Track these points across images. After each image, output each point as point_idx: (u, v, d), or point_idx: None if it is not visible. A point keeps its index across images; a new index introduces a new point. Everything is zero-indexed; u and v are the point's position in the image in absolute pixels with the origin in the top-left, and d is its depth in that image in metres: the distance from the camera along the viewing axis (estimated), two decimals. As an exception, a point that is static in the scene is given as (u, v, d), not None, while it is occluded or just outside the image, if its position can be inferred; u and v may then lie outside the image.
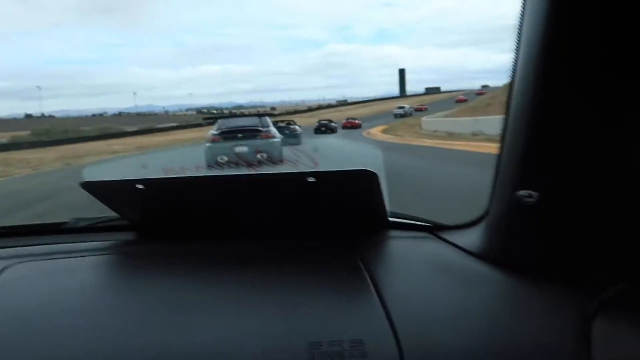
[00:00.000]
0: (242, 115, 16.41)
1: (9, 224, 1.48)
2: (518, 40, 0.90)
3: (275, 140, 11.43)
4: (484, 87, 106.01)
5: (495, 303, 1.00)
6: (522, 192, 0.95)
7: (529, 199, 0.94)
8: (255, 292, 1.01)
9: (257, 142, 11.08)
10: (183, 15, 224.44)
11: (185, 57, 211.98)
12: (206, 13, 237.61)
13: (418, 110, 68.93)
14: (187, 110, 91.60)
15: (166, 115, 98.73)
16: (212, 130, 11.80)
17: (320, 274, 1.10)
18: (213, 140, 11.37)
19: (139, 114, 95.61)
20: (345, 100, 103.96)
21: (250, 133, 11.45)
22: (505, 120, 0.99)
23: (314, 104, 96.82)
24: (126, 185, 1.23)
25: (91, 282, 1.12)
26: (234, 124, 12.10)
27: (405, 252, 1.22)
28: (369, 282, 1.01)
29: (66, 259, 1.23)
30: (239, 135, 11.36)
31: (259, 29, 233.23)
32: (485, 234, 1.12)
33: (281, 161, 10.03)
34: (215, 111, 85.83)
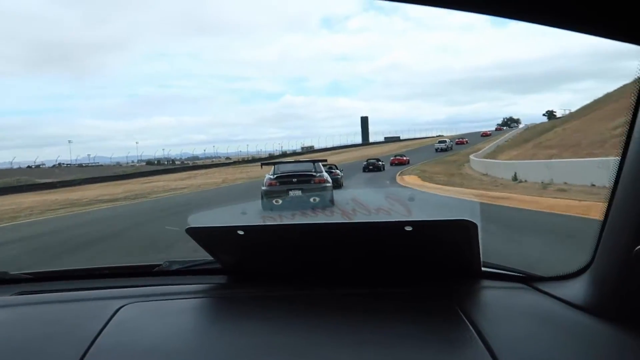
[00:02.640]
0: (297, 161, 16.04)
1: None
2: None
3: (327, 184, 12.06)
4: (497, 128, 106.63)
5: (603, 356, 0.96)
6: None
7: None
8: (352, 337, 1.01)
9: (311, 187, 11.68)
10: (136, 66, 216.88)
11: (138, 108, 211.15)
12: (160, 65, 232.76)
13: (459, 143, 68.79)
14: (138, 161, 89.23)
15: (114, 166, 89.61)
16: (269, 175, 12.51)
17: (419, 320, 1.09)
18: (270, 185, 11.99)
19: (80, 165, 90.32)
20: (311, 147, 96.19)
21: (305, 178, 12.05)
22: (620, 167, 0.95)
23: (276, 152, 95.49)
24: (228, 231, 1.29)
25: (192, 324, 1.18)
26: (289, 169, 12.74)
27: (502, 302, 1.20)
28: (472, 330, 1.00)
29: (167, 301, 1.29)
30: (294, 180, 11.98)
31: (214, 81, 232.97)
32: (592, 285, 1.09)
33: (332, 203, 10.44)
34: (166, 162, 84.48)
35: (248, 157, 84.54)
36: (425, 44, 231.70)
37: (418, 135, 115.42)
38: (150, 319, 1.18)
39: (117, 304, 1.22)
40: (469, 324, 1.03)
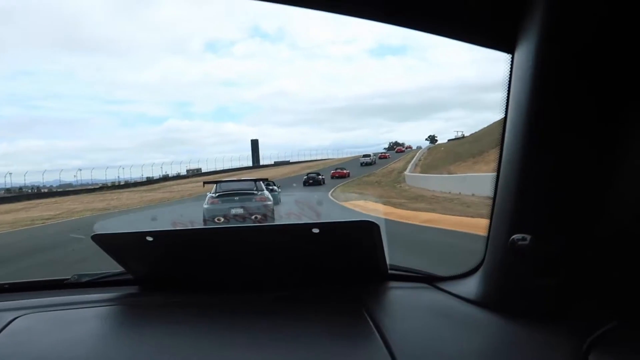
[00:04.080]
0: (239, 180, 15.29)
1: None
2: (508, 91, 1.01)
3: (268, 202, 12.36)
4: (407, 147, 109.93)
5: (494, 346, 1.03)
6: (515, 236, 0.98)
7: (523, 242, 0.96)
8: (259, 339, 1.03)
9: (252, 205, 11.95)
10: (0, 84, 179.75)
11: (1, 130, 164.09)
12: (25, 84, 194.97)
13: (382, 157, 72.34)
14: (6, 190, 72.68)
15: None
16: (211, 193, 12.67)
17: (325, 321, 1.12)
18: (212, 203, 12.17)
19: None
20: (199, 170, 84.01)
21: (246, 196, 12.27)
22: (498, 168, 1.03)
23: (156, 177, 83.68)
24: (137, 238, 1.26)
25: (96, 332, 1.15)
26: (231, 188, 12.83)
27: (405, 301, 1.26)
28: (373, 329, 1.04)
29: (71, 310, 1.25)
30: (236, 198, 12.20)
31: (90, 103, 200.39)
32: (481, 281, 1.16)
33: (272, 220, 10.71)
34: (30, 190, 69.48)
35: (121, 183, 73.54)
36: (311, 72, 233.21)
37: (307, 159, 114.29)
38: (50, 329, 1.13)
39: (10, 315, 1.17)
40: (370, 322, 1.07)
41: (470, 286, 1.19)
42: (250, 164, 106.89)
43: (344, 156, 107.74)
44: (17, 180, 70.46)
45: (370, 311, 1.13)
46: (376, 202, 20.41)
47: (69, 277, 1.49)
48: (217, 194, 12.50)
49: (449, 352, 0.96)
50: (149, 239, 1.22)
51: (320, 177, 39.04)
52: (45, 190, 63.23)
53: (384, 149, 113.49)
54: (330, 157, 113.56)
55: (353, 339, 1.03)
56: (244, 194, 12.33)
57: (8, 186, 69.48)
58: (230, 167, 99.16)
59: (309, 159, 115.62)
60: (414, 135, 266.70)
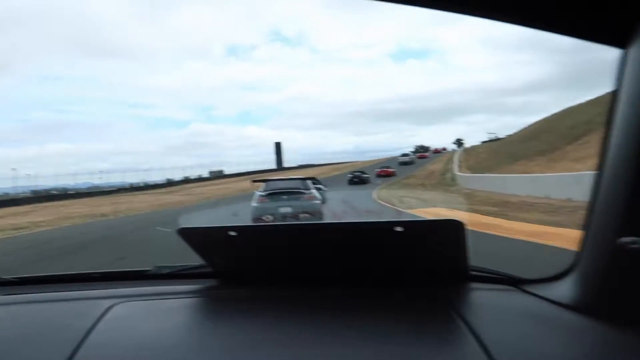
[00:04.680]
0: (287, 178, 14.67)
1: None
2: (617, 87, 0.97)
3: (316, 202, 12.18)
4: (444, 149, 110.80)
5: (596, 354, 0.98)
6: (625, 239, 0.93)
7: (634, 245, 0.92)
8: (343, 335, 1.02)
9: (301, 203, 11.80)
10: (29, 89, 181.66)
11: (31, 134, 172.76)
12: (55, 88, 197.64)
13: (421, 157, 71.50)
14: (32, 192, 74.39)
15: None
16: (259, 192, 12.52)
17: (413, 320, 1.09)
18: (260, 201, 12.06)
19: None
20: (221, 172, 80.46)
21: (295, 195, 12.10)
22: (601, 166, 1.01)
23: (177, 179, 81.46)
24: (220, 232, 1.29)
25: (184, 322, 1.18)
26: (279, 186, 12.64)
27: (492, 303, 1.21)
28: (465, 329, 1.01)
29: (159, 300, 1.30)
30: (284, 196, 12.02)
31: (116, 107, 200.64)
32: (577, 285, 1.12)
33: (320, 220, 10.93)
34: (55, 192, 68.56)
35: (141, 185, 71.88)
36: (331, 76, 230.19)
37: (330, 162, 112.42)
38: (141, 318, 1.18)
39: (106, 303, 1.23)
40: (462, 323, 1.04)
41: (563, 290, 1.14)
42: (273, 166, 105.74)
43: (368, 159, 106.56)
44: (47, 183, 68.63)
45: (458, 312, 1.09)
46: (451, 209, 15.69)
47: (150, 268, 1.54)
48: (265, 193, 12.28)
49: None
50: (232, 233, 1.25)
51: (365, 175, 38.73)
52: (56, 193, 60.65)
53: (411, 151, 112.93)
54: (354, 160, 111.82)
55: (445, 339, 0.99)
56: (292, 193, 12.14)
57: (43, 187, 67.53)
58: (254, 170, 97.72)
59: (332, 162, 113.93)
60: (437, 139, 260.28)
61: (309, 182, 13.32)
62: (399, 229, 1.14)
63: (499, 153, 44.40)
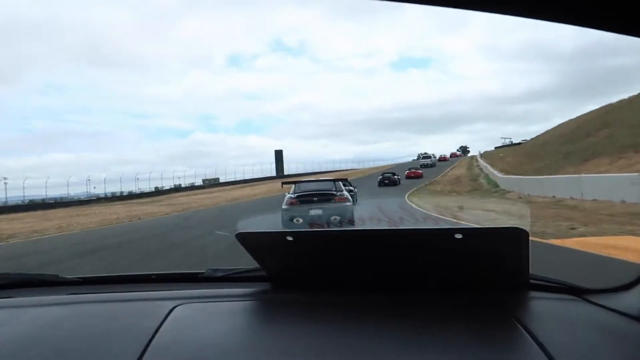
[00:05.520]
0: (318, 180, 14.36)
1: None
2: None
3: (348, 203, 11.84)
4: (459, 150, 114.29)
5: None
6: None
7: None
8: (401, 342, 1.00)
9: (332, 206, 11.52)
10: (28, 99, 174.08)
11: (31, 143, 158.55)
12: (55, 98, 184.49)
13: (442, 160, 72.53)
14: (30, 202, 66.48)
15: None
16: (290, 194, 12.29)
17: (473, 327, 1.05)
18: (290, 204, 11.86)
19: None
20: (216, 180, 75.10)
21: (325, 197, 11.84)
22: None
23: (166, 187, 75.30)
24: (278, 237, 1.31)
25: (241, 324, 1.20)
26: (310, 188, 12.37)
27: (556, 312, 1.16)
28: (529, 338, 0.98)
29: (216, 303, 1.31)
30: (315, 198, 11.80)
31: (117, 117, 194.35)
32: None
33: (352, 222, 10.41)
34: (52, 202, 61.57)
35: (124, 194, 65.90)
36: (333, 85, 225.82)
37: (329, 170, 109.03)
38: (202, 319, 1.20)
39: (170, 304, 1.25)
40: (525, 332, 1.01)
41: (631, 300, 1.11)
42: (273, 174, 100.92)
43: (367, 166, 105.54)
44: (48, 193, 63.43)
45: (520, 320, 1.06)
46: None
47: (204, 270, 1.57)
48: (295, 195, 11.95)
49: None
50: (289, 238, 1.26)
51: (396, 177, 39.08)
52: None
53: (414, 160, 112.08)
54: (354, 167, 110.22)
55: (508, 347, 0.97)
56: (323, 195, 11.79)
57: (41, 197, 61.95)
58: (250, 178, 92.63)
59: (332, 170, 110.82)
60: (438, 148, 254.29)
61: (340, 183, 12.79)
62: (458, 236, 1.11)
63: (536, 155, 38.12)
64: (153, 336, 1.05)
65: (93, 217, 26.57)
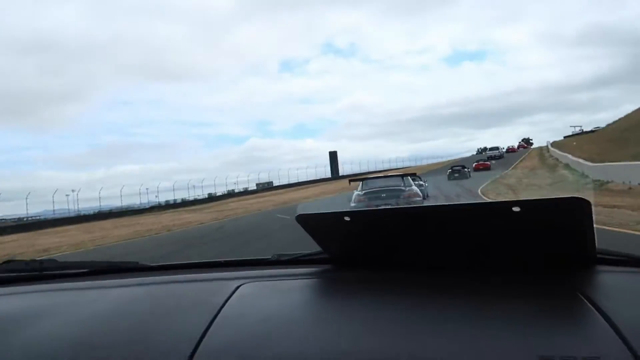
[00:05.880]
0: (386, 176, 14.41)
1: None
2: None
3: (417, 199, 11.67)
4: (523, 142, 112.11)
5: None
6: None
7: None
8: (465, 317, 0.99)
9: (400, 201, 11.24)
10: (97, 115, 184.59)
11: (100, 157, 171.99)
12: (122, 113, 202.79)
13: (510, 151, 72.10)
14: (99, 212, 68.75)
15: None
16: (357, 191, 12.20)
17: (536, 302, 1.04)
18: (358, 201, 11.71)
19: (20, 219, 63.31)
20: (269, 183, 75.54)
21: (394, 193, 11.58)
22: None
23: (219, 193, 76.22)
24: (336, 217, 1.33)
25: (302, 299, 1.25)
26: (378, 185, 12.30)
27: (625, 286, 1.14)
28: (594, 311, 0.97)
29: (280, 281, 1.38)
30: (383, 195, 11.52)
31: (178, 127, 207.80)
32: None
33: None
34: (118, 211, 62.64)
35: (177, 202, 66.76)
36: (385, 84, 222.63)
37: (385, 168, 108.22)
38: (265, 295, 1.27)
39: (235, 283, 1.32)
40: (591, 306, 0.98)
41: None
42: (327, 176, 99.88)
43: (423, 164, 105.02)
44: (114, 203, 66.48)
45: (586, 295, 1.02)
46: None
47: (270, 256, 1.68)
48: (363, 192, 11.89)
49: None
50: (347, 218, 1.28)
51: (466, 170, 38.10)
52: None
53: (472, 155, 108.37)
54: (409, 166, 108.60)
55: (574, 322, 0.94)
56: (391, 190, 11.60)
57: (109, 207, 64.07)
58: (305, 180, 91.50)
59: (388, 169, 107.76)
60: (497, 141, 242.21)
61: (408, 178, 12.71)
62: (516, 208, 1.08)
63: (625, 140, 33.60)
64: (219, 311, 1.13)
65: (133, 227, 25.20)
